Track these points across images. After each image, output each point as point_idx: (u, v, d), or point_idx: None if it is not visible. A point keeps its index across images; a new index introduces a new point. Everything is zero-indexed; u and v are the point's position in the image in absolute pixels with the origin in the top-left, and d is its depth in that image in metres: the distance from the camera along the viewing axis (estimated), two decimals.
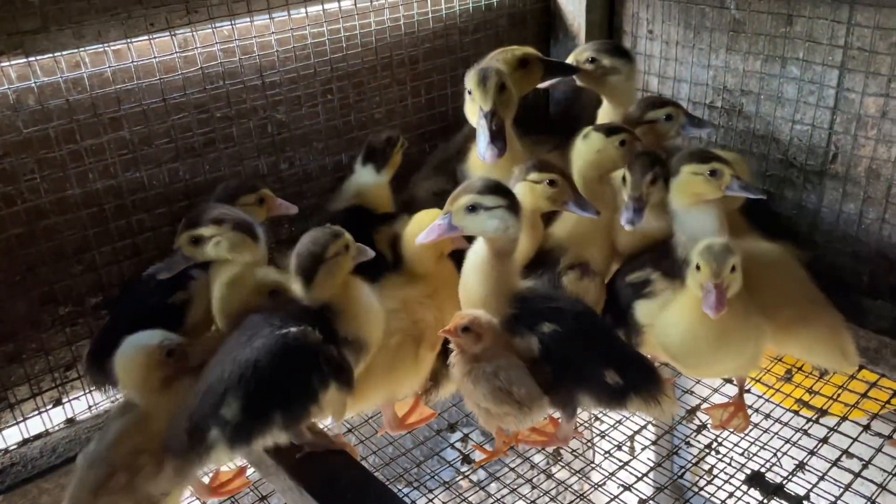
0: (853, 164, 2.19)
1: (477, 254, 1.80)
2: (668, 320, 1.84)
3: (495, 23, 2.62)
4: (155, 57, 1.93)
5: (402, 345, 1.83)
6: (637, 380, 1.74)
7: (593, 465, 1.99)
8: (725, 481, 1.91)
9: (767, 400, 2.18)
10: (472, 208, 1.71)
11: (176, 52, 1.96)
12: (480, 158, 1.98)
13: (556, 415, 2.08)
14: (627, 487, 1.88)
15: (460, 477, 1.98)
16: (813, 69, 2.19)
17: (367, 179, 2.16)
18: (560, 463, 2.06)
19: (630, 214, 1.85)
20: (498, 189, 1.73)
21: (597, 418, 2.19)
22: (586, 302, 1.91)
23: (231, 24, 2.02)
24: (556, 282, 1.97)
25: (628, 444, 2.07)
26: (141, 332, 1.66)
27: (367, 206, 2.17)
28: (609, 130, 1.99)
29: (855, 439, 1.98)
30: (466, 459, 2.06)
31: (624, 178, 1.90)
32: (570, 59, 2.30)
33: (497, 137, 1.95)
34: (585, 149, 2.00)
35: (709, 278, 1.66)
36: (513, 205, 1.72)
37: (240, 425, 1.53)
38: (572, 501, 1.87)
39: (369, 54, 2.34)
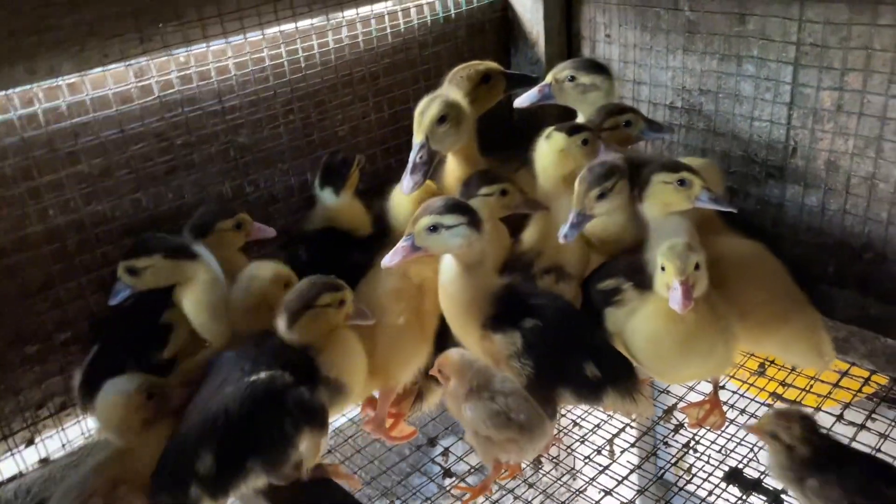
0: (812, 158, 2.22)
1: (449, 268, 1.82)
2: (634, 327, 1.86)
3: (454, 34, 2.63)
4: (110, 88, 1.91)
5: (407, 325, 1.90)
6: (615, 374, 1.77)
7: (574, 472, 2.00)
8: (705, 479, 1.93)
9: (742, 395, 2.20)
10: (434, 228, 1.73)
11: (132, 82, 1.94)
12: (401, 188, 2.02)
13: None
14: (608, 492, 1.88)
15: (440, 493, 1.97)
16: (768, 66, 2.22)
17: (329, 202, 2.17)
18: (541, 471, 2.07)
19: (565, 228, 1.87)
20: (457, 207, 1.75)
21: (576, 423, 2.20)
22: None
23: (187, 51, 2.00)
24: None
25: (608, 447, 2.08)
26: (120, 377, 1.66)
27: (341, 227, 2.17)
28: (571, 130, 2.01)
29: (829, 430, 2.00)
30: (448, 473, 2.06)
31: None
32: (548, 78, 2.30)
33: (417, 170, 1.99)
34: (548, 149, 2.02)
35: (674, 276, 1.68)
36: (473, 220, 1.75)
37: (216, 478, 1.53)
38: None
39: (329, 73, 2.33)
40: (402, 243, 1.77)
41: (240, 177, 2.22)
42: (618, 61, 2.60)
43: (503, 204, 1.99)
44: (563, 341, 1.80)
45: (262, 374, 1.58)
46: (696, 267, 1.70)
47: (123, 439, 1.63)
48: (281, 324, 1.66)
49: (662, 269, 1.72)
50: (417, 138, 2.02)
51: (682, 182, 1.85)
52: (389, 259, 1.78)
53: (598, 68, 2.26)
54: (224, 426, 1.53)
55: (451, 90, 2.14)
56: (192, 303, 1.86)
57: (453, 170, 2.17)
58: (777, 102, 2.24)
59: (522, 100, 2.33)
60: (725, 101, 2.36)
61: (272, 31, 2.16)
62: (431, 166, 2.03)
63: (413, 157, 2.01)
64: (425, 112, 2.02)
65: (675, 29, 2.40)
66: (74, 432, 2.04)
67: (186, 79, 2.03)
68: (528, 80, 2.34)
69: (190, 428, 1.56)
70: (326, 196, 2.17)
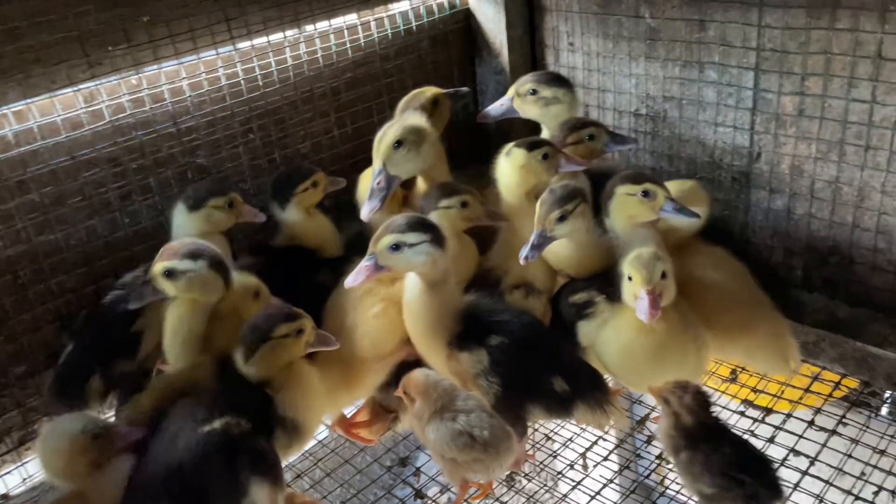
0: (777, 163, 2.21)
1: (413, 287, 1.79)
2: (607, 339, 1.85)
3: (417, 46, 2.60)
4: (59, 115, 1.87)
5: (384, 312, 1.87)
6: (583, 387, 1.75)
7: (548, 488, 1.97)
8: (677, 492, 1.91)
9: (715, 403, 2.18)
10: (396, 247, 1.71)
11: (81, 108, 1.90)
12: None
13: None
14: None
15: None
16: (730, 72, 2.22)
17: (280, 216, 2.12)
18: (514, 489, 2.04)
19: (526, 250, 1.84)
20: (419, 225, 1.73)
21: (548, 437, 2.18)
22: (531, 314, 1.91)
23: (137, 74, 1.96)
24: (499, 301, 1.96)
25: (580, 461, 2.05)
26: (63, 417, 1.60)
27: (307, 245, 2.12)
28: (531, 145, 1.99)
29: (801, 436, 2.00)
30: (419, 494, 2.03)
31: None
32: (510, 92, 2.28)
33: (374, 195, 1.98)
34: (508, 166, 2.00)
35: (641, 286, 1.67)
36: (436, 237, 1.72)
37: None
38: None
39: (288, 89, 2.30)
40: (364, 262, 1.76)
41: None
42: (582, 69, 2.59)
43: (464, 216, 1.96)
44: (529, 357, 1.77)
45: (217, 424, 1.53)
46: (663, 276, 1.70)
47: (70, 483, 1.56)
48: (238, 358, 1.62)
49: (629, 278, 1.72)
50: (376, 164, 2.01)
51: (645, 193, 1.84)
52: (352, 279, 1.76)
53: (559, 81, 2.25)
54: (178, 480, 1.48)
55: (412, 114, 2.12)
56: (182, 319, 1.77)
57: (422, 193, 2.14)
58: (740, 108, 2.23)
59: (485, 114, 2.32)
60: (689, 107, 2.35)
61: (227, 49, 2.13)
62: (390, 192, 2.00)
63: (372, 183, 2.00)
64: (382, 138, 2.01)
65: (637, 36, 2.38)
66: (35, 467, 1.99)
67: (139, 102, 2.00)
68: (461, 94, 2.37)
69: (144, 482, 1.52)
70: (276, 210, 2.12)
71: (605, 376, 2.15)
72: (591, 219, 1.92)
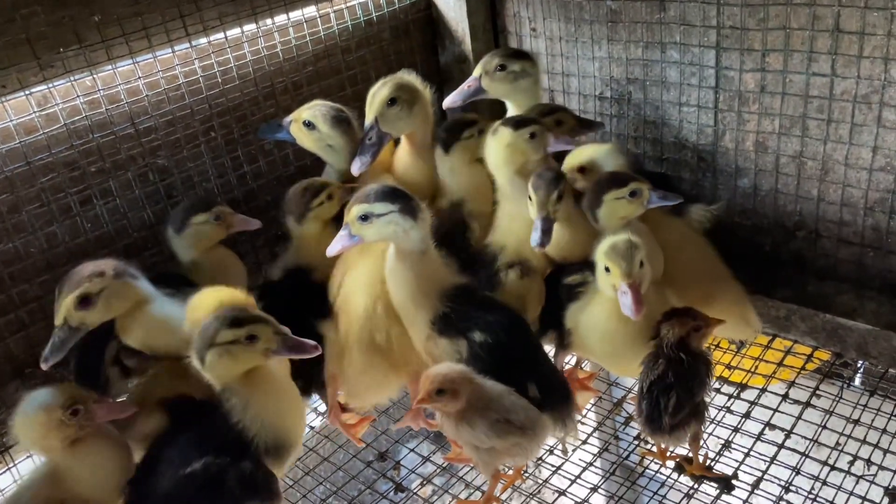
0: (741, 140, 2.22)
1: (391, 258, 1.78)
2: (586, 323, 1.85)
3: (379, 37, 2.57)
4: (11, 120, 1.82)
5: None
6: (553, 398, 1.73)
7: (529, 474, 1.97)
8: (657, 471, 1.92)
9: None
10: (365, 217, 1.69)
11: (34, 112, 1.85)
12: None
13: None
14: (562, 493, 1.86)
15: None
16: (691, 51, 2.22)
17: (294, 231, 2.03)
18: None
19: (538, 235, 1.82)
20: (388, 195, 1.70)
21: None
22: (520, 307, 1.90)
23: (91, 75, 1.92)
24: (494, 280, 1.96)
25: (560, 446, 2.05)
26: (41, 390, 1.52)
27: (309, 266, 2.00)
28: (517, 123, 1.96)
29: (775, 410, 2.02)
30: (400, 488, 2.02)
31: (530, 198, 1.86)
32: (476, 72, 2.24)
33: (365, 151, 1.97)
34: (495, 145, 1.97)
35: (621, 279, 1.66)
36: (406, 207, 1.69)
37: None
38: None
39: (249, 86, 2.26)
40: (340, 233, 1.75)
41: (162, 200, 2.14)
42: (545, 54, 2.58)
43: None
44: (509, 360, 1.73)
45: (196, 466, 1.47)
46: (640, 265, 1.69)
47: (47, 456, 1.53)
48: (196, 363, 1.52)
49: (606, 269, 1.71)
50: (368, 119, 2.00)
51: (633, 193, 1.84)
52: (331, 249, 1.75)
53: (524, 55, 2.24)
54: None
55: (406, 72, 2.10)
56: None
57: (402, 155, 2.14)
58: (703, 87, 2.24)
59: (451, 100, 2.27)
60: (653, 88, 2.35)
61: (183, 46, 2.08)
62: (381, 147, 1.99)
63: (363, 137, 1.99)
64: (377, 93, 2.00)
65: (598, 19, 2.38)
66: (28, 466, 1.92)
67: (94, 103, 1.95)
68: None
69: None
70: (291, 225, 2.02)
71: (583, 361, 2.18)
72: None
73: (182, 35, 2.05)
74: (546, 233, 1.83)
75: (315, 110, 2.07)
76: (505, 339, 1.73)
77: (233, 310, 1.50)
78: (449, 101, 2.28)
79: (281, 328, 1.51)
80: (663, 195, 1.86)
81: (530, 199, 1.86)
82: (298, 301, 1.90)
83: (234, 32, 2.19)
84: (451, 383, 1.61)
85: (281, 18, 2.30)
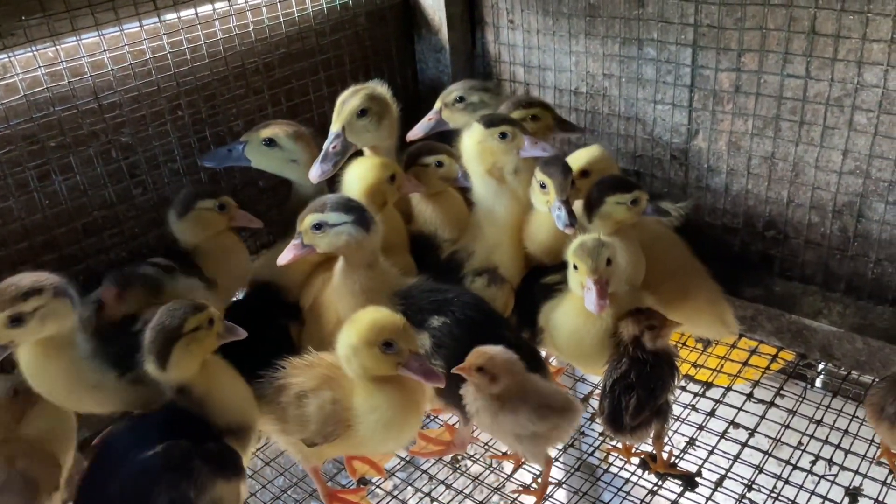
0: (714, 139, 2.23)
1: (338, 269, 1.77)
2: (556, 321, 1.85)
3: (354, 22, 2.53)
4: None
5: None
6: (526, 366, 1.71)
7: (493, 469, 1.95)
8: (621, 468, 1.91)
9: None
10: (318, 227, 1.68)
11: None
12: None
13: (452, 420, 2.04)
14: (526, 487, 1.85)
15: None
16: (668, 49, 2.22)
17: None
18: (459, 471, 2.02)
19: (566, 217, 1.80)
20: (342, 205, 1.70)
21: None
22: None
23: (55, 46, 1.84)
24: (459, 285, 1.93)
25: None
26: None
27: (278, 283, 1.98)
28: (489, 122, 1.90)
29: (740, 409, 2.03)
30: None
31: (543, 185, 1.83)
32: (437, 105, 2.22)
33: (328, 159, 1.92)
34: (467, 140, 1.94)
35: (587, 275, 1.66)
36: (360, 218, 1.68)
37: None
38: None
39: (219, 65, 2.20)
40: (293, 241, 1.73)
41: (125, 179, 2.08)
42: (522, 47, 2.56)
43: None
44: (473, 337, 1.71)
45: (159, 448, 1.44)
46: (609, 262, 1.69)
47: None
48: (151, 368, 1.49)
49: (575, 267, 1.70)
50: (334, 127, 1.95)
51: (634, 201, 1.84)
52: (283, 258, 1.74)
53: (483, 86, 2.21)
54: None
55: (377, 83, 2.05)
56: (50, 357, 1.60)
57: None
58: (678, 85, 2.24)
59: (416, 131, 2.23)
60: (629, 84, 2.35)
61: (151, 21, 2.02)
62: (344, 157, 1.95)
63: (327, 145, 1.94)
64: (347, 101, 1.95)
65: (577, 13, 2.36)
66: None
67: (56, 75, 1.88)
68: None
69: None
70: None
71: (552, 357, 2.16)
72: None
73: (150, 9, 1.99)
74: (571, 213, 1.80)
75: (274, 128, 2.01)
76: (463, 317, 1.73)
77: (180, 301, 1.52)
78: (412, 134, 2.24)
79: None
80: (657, 209, 1.89)
81: (543, 186, 1.83)
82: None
83: (205, 9, 2.13)
84: (493, 367, 1.61)
85: None
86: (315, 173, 1.91)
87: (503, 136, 1.88)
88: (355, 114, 1.94)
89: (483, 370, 1.60)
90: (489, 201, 1.95)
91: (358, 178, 1.92)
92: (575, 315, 1.79)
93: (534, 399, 1.63)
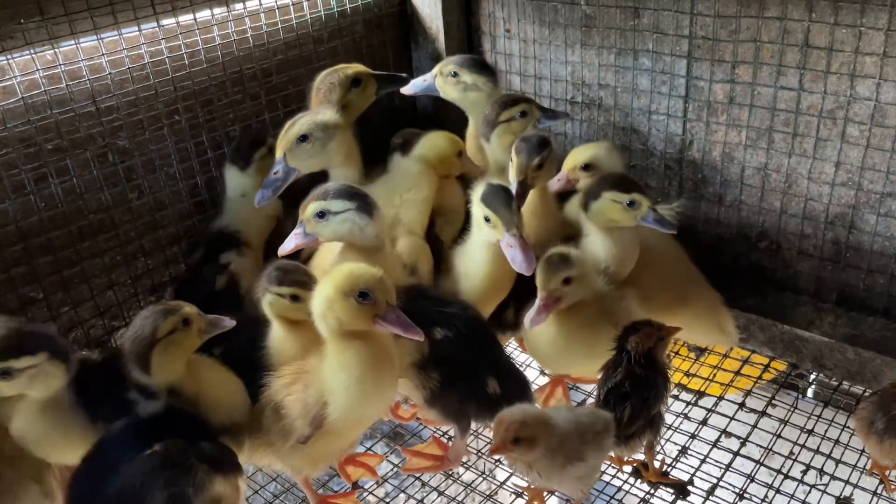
0: (708, 150, 2.25)
1: (340, 257, 1.76)
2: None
3: (351, 29, 2.54)
4: None
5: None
6: (512, 392, 1.72)
7: (485, 476, 1.96)
8: (613, 476, 1.92)
9: None
10: (321, 215, 1.69)
11: None
12: None
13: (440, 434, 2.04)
14: (519, 495, 1.85)
15: None
16: (663, 60, 2.23)
17: (236, 205, 2.09)
18: (452, 478, 2.01)
19: (521, 259, 1.76)
20: (345, 193, 1.70)
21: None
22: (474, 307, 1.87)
23: (53, 49, 1.85)
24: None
25: None
26: None
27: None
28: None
29: (732, 418, 2.04)
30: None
31: (487, 219, 1.79)
32: (434, 70, 2.24)
33: (269, 185, 1.94)
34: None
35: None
36: (363, 205, 1.69)
37: None
38: None
39: (216, 70, 2.21)
40: (295, 231, 1.74)
41: (121, 182, 2.08)
42: (518, 56, 2.57)
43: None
44: (471, 354, 1.72)
45: (147, 452, 1.44)
46: (568, 281, 1.71)
47: None
48: (136, 375, 1.50)
49: (487, 220, 1.75)
50: (277, 153, 1.97)
51: (631, 203, 1.82)
52: (284, 247, 1.75)
53: (482, 68, 2.20)
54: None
55: (324, 105, 2.08)
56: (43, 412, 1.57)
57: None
58: (673, 96, 2.26)
59: (409, 88, 2.28)
60: (624, 94, 2.36)
61: (150, 26, 2.02)
62: (285, 184, 1.96)
63: (270, 172, 1.96)
64: (289, 129, 1.96)
65: (573, 23, 2.38)
66: None
67: (55, 78, 1.88)
68: (398, 80, 2.28)
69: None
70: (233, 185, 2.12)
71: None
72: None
73: (149, 13, 2.00)
74: (526, 250, 1.74)
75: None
76: (465, 334, 1.72)
77: (158, 304, 1.53)
78: (406, 90, 2.29)
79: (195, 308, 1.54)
80: (660, 219, 1.83)
81: (487, 220, 1.78)
82: None
83: (203, 15, 2.14)
84: (528, 430, 1.51)
85: (253, 4, 2.25)
86: (257, 199, 1.94)
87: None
88: (295, 141, 1.94)
89: (520, 441, 1.51)
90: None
91: (431, 147, 2.03)
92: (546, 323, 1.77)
93: (573, 446, 1.57)
